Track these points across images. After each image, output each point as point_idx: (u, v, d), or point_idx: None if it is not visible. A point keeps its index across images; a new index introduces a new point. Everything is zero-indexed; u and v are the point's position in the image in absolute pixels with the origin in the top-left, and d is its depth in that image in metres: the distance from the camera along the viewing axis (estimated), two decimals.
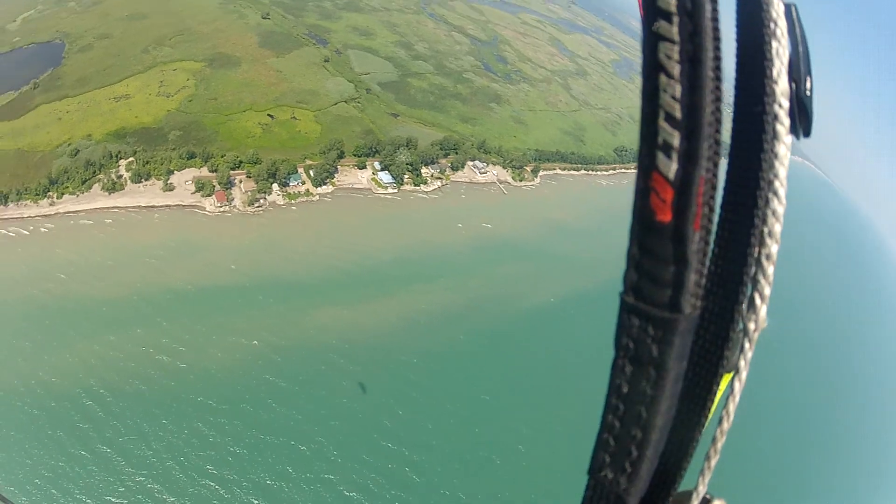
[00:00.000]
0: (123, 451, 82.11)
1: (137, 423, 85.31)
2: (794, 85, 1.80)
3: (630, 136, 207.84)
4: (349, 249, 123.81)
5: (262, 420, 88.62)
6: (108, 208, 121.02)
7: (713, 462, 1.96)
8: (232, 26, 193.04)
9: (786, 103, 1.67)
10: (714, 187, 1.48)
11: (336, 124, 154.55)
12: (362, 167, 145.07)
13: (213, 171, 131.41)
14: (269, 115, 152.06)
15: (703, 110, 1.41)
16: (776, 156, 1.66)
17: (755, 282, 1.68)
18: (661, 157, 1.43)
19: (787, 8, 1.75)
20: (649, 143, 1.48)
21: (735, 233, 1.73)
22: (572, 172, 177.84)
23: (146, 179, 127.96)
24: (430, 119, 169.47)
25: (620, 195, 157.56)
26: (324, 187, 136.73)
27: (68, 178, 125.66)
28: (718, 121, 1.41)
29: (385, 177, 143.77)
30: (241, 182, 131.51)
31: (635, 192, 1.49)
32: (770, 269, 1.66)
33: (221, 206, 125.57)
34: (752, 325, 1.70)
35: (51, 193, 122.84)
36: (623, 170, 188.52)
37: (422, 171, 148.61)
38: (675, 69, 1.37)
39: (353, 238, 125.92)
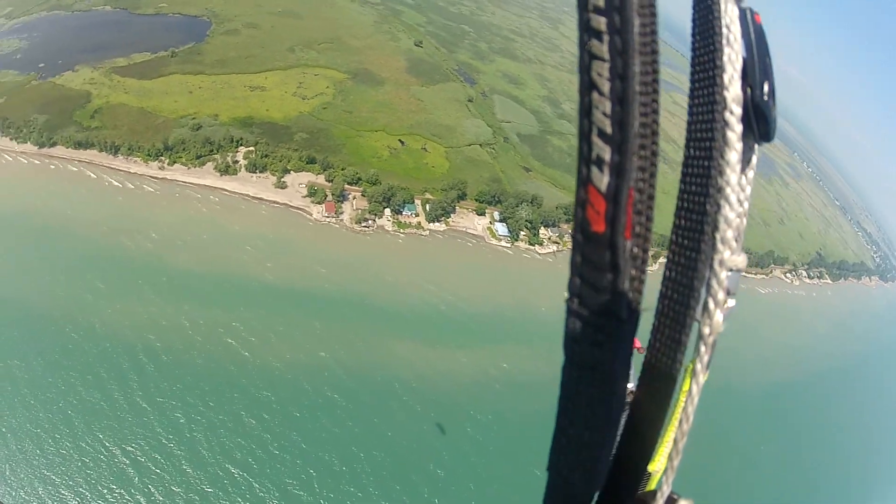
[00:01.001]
0: (159, 410, 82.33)
1: (183, 392, 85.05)
2: (749, 90, 1.80)
3: (760, 241, 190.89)
4: (447, 291, 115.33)
5: (307, 428, 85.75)
6: (215, 188, 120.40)
7: (676, 462, 1.99)
8: (383, 46, 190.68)
9: (738, 110, 1.70)
10: (651, 197, 1.48)
11: (465, 165, 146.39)
12: (481, 213, 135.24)
13: (329, 181, 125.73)
14: (400, 140, 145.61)
15: (631, 125, 1.41)
16: (727, 163, 1.67)
17: (709, 287, 1.69)
18: (594, 170, 1.45)
19: (742, 13, 1.77)
20: (585, 157, 1.50)
21: (688, 239, 1.75)
22: None
23: (261, 171, 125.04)
24: (562, 181, 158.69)
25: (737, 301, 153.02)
26: (437, 224, 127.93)
27: (184, 149, 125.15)
28: (654, 133, 1.40)
29: (501, 228, 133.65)
30: (354, 198, 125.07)
31: (575, 204, 1.52)
32: (723, 275, 1.66)
33: (328, 216, 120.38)
34: (706, 330, 1.72)
35: (163, 158, 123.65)
36: (745, 274, 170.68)
37: (540, 231, 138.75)
38: (606, 86, 1.38)
39: (454, 281, 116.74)
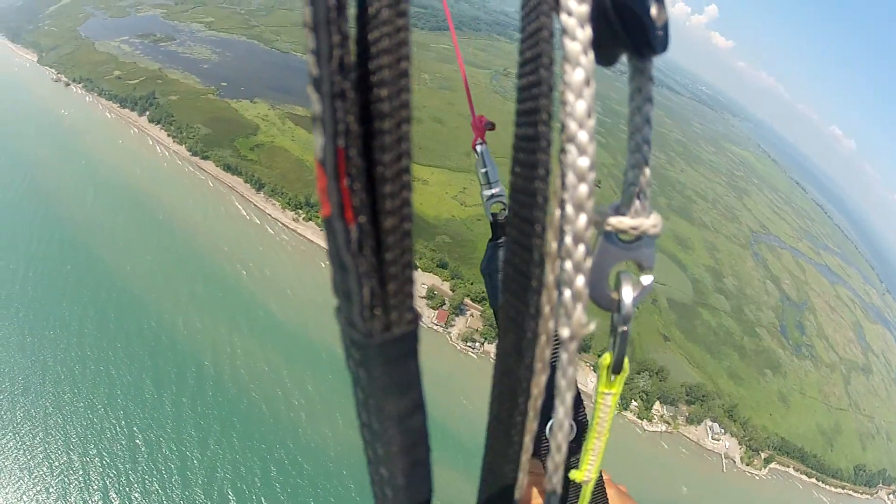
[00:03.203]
0: (177, 421, 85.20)
1: (210, 423, 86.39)
2: None
3: (878, 457, 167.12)
4: None
5: None
6: None
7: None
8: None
9: (581, 7, 1.01)
10: (359, 168, 0.90)
11: (601, 317, 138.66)
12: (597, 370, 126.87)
13: (452, 290, 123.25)
14: None
15: (325, 57, 0.90)
16: (569, 85, 1.04)
17: (561, 257, 1.24)
18: (315, 133, 1.00)
19: None
20: (320, 127, 1.02)
21: (522, 205, 1.28)
22: (804, 477, 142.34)
23: None
24: (699, 358, 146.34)
25: None
26: None
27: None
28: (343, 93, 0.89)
29: None
30: (471, 315, 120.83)
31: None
32: (578, 247, 1.19)
33: (437, 324, 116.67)
34: (543, 338, 1.35)
35: (300, 211, 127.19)
36: (851, 492, 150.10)
37: (654, 405, 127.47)
38: (308, 13, 0.86)
39: None
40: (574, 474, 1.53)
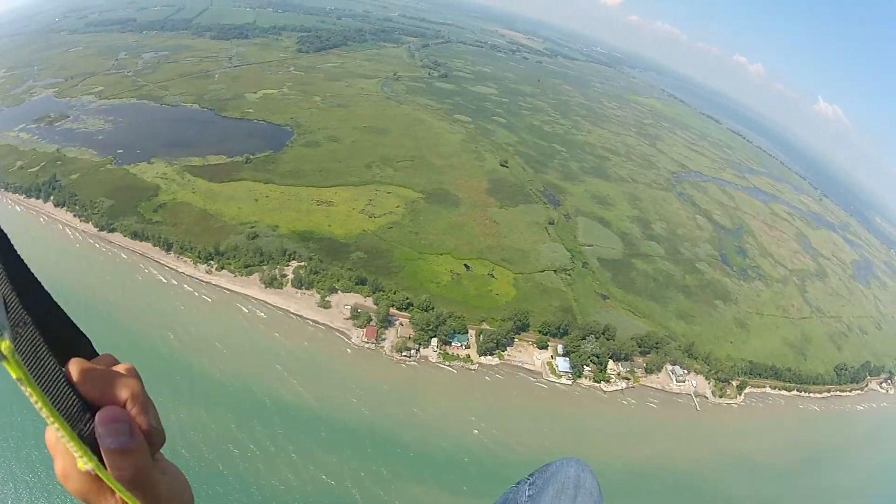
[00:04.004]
0: None
1: None
2: None
3: (856, 352, 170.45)
4: (486, 433, 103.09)
5: None
6: (257, 299, 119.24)
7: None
8: (466, 165, 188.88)
9: None
10: None
11: (534, 293, 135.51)
12: (543, 347, 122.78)
13: (376, 304, 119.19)
14: (465, 265, 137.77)
15: None
16: None
17: None
18: None
19: None
20: None
21: None
22: (783, 392, 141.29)
23: (307, 288, 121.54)
24: (643, 308, 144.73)
25: (829, 427, 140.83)
26: (489, 357, 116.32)
27: (234, 256, 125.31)
28: None
29: (563, 364, 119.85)
30: (400, 325, 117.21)
31: None
32: None
33: (368, 342, 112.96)
34: None
35: (212, 262, 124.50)
36: (839, 392, 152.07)
37: (608, 365, 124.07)
38: None
39: (496, 422, 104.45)
40: None
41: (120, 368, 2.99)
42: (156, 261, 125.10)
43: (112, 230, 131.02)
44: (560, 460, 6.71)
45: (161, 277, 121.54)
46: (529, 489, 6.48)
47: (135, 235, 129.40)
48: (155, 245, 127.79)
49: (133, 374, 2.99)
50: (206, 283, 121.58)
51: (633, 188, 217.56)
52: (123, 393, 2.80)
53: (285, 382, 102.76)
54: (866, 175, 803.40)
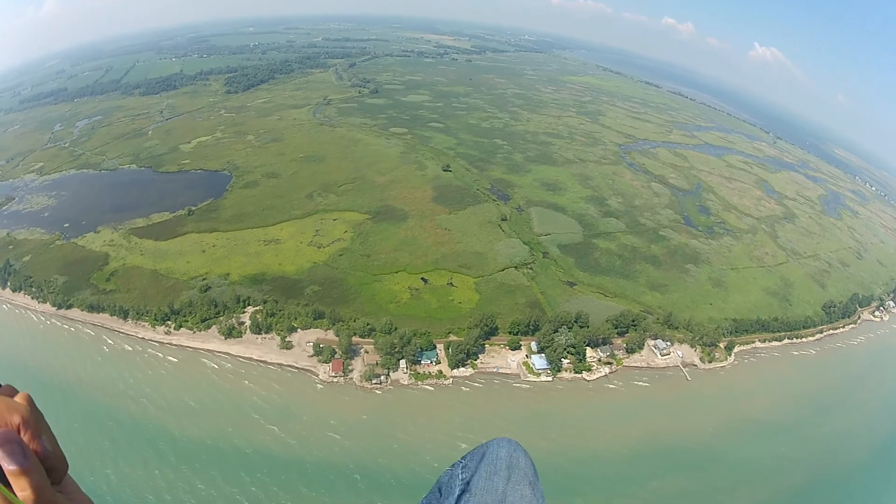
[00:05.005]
0: None
1: None
2: None
3: (842, 287, 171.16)
4: (475, 445, 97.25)
5: None
6: (219, 352, 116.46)
7: None
8: (408, 177, 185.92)
9: None
10: None
11: (498, 294, 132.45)
12: (515, 347, 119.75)
13: (337, 335, 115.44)
14: (422, 278, 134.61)
15: None
16: None
17: None
18: None
19: None
20: None
21: None
22: (774, 344, 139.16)
23: (266, 332, 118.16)
24: (613, 288, 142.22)
25: (829, 368, 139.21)
26: (462, 369, 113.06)
27: (190, 312, 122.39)
28: None
29: (539, 361, 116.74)
30: (365, 352, 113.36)
31: None
32: None
33: (336, 376, 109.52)
34: None
35: (169, 322, 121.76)
36: (831, 331, 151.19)
37: (587, 354, 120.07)
38: None
39: (485, 433, 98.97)
40: None
41: (17, 398, 3.17)
42: (116, 330, 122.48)
43: (69, 306, 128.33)
44: (492, 441, 6.81)
45: (126, 346, 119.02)
46: (462, 472, 6.58)
47: (91, 308, 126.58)
48: (112, 315, 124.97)
49: (27, 401, 3.16)
50: (168, 344, 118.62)
51: (582, 168, 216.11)
52: (15, 418, 2.96)
53: (264, 429, 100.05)
54: (814, 111, 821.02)
